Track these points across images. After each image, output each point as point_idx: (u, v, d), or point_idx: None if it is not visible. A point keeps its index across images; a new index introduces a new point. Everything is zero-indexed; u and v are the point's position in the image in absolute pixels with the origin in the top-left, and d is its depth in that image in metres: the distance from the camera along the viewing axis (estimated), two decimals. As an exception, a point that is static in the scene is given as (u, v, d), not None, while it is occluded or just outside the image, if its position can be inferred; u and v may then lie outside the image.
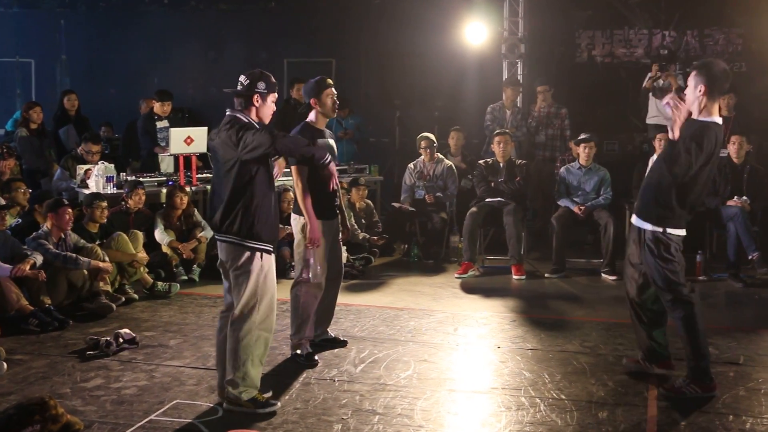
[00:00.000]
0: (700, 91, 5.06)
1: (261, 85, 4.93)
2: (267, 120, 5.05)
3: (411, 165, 9.98)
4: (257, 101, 4.94)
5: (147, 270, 7.88)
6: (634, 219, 5.42)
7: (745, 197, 8.60)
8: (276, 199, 5.06)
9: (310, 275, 5.89)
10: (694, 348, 5.21)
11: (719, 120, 5.15)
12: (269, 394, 5.07)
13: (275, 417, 4.82)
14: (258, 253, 4.87)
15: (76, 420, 3.36)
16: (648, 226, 5.25)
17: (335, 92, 6.01)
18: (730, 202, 8.56)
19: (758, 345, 6.30)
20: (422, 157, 9.92)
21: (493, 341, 6.43)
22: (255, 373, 4.94)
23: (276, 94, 5.05)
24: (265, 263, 4.92)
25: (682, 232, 5.26)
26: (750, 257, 8.39)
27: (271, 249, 4.98)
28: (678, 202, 5.16)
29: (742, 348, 6.19)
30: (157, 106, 9.95)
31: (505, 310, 7.44)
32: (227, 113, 4.98)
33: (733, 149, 8.81)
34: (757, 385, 5.37)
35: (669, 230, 5.19)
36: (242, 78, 4.97)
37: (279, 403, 4.99)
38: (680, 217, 5.21)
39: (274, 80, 5.04)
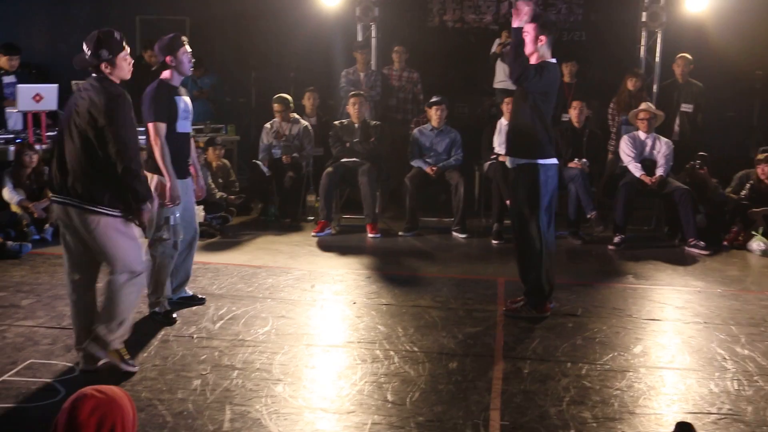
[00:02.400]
0: (540, 41, 5.91)
1: (104, 54, 4.75)
2: (126, 76, 4.89)
3: (267, 125, 9.96)
4: (106, 68, 4.78)
5: (-4, 229, 7.65)
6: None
7: (584, 159, 9.07)
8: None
9: (170, 234, 5.89)
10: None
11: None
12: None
13: (136, 373, 4.82)
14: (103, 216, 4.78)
15: None
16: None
17: (190, 50, 5.98)
18: (570, 164, 9.00)
19: (594, 297, 6.70)
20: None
21: (349, 297, 6.59)
22: (126, 327, 4.95)
23: (126, 49, 4.85)
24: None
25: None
26: (588, 216, 8.86)
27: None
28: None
29: (580, 300, 6.56)
30: (3, 60, 9.54)
31: (360, 267, 7.63)
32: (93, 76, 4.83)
33: (574, 114, 9.22)
34: (593, 335, 5.73)
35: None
36: (84, 47, 4.79)
37: (137, 366, 4.97)
38: None
39: (117, 37, 4.81)
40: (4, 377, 4.75)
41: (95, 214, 4.74)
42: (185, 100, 6.03)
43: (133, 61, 4.97)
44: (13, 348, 5.21)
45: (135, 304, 5.00)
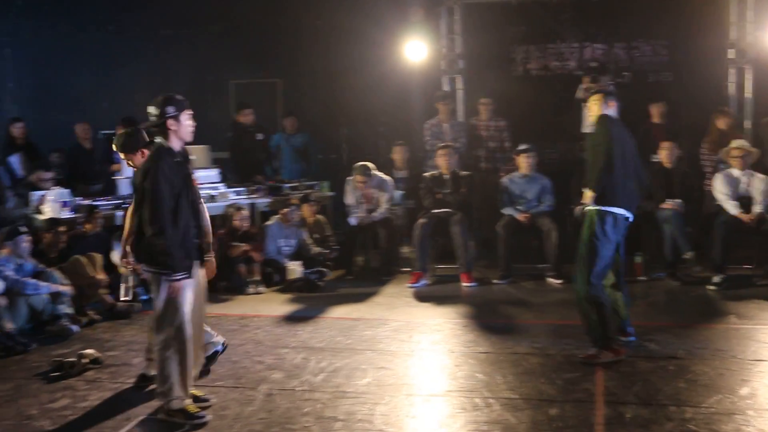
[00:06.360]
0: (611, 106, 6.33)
1: (170, 109, 5.01)
2: (189, 137, 5.14)
3: (349, 186, 10.00)
4: (172, 125, 5.03)
5: (107, 291, 7.97)
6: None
7: (678, 200, 8.98)
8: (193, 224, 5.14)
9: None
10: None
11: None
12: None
13: (241, 427, 4.94)
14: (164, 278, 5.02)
15: None
16: None
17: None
18: (664, 205, 8.95)
19: (695, 339, 6.58)
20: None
21: (447, 346, 6.64)
22: (182, 385, 5.12)
23: (189, 110, 5.11)
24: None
25: None
26: (685, 256, 8.76)
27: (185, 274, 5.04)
28: None
29: (680, 342, 6.47)
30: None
31: (456, 317, 7.67)
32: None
33: (664, 155, 9.17)
34: (695, 377, 5.63)
35: None
36: (150, 109, 5.06)
37: (209, 416, 5.13)
38: None
39: (181, 98, 5.11)
40: (119, 433, 4.96)
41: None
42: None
43: (194, 125, 5.17)
44: (127, 405, 5.43)
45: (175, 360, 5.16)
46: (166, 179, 4.88)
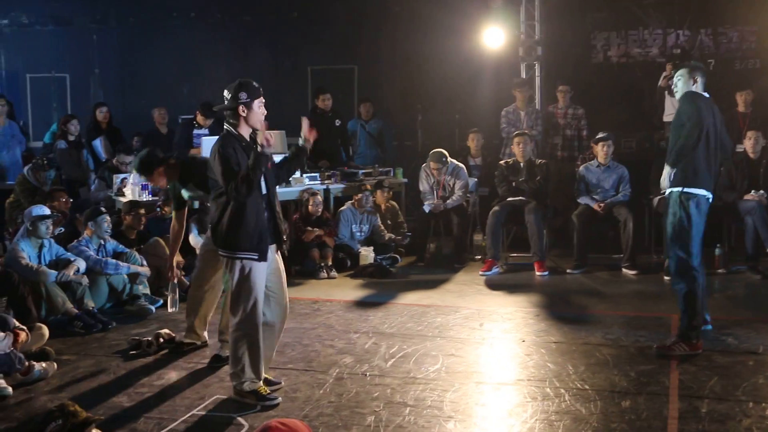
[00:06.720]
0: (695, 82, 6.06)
1: (243, 95, 4.99)
2: (259, 125, 5.09)
3: (423, 173, 9.99)
4: (243, 111, 5.02)
5: (183, 273, 8.12)
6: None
7: (762, 191, 8.75)
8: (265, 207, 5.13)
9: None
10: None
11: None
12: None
13: (311, 410, 4.98)
14: (238, 261, 5.06)
15: (94, 416, 3.60)
16: None
17: None
18: (747, 197, 8.71)
19: (776, 335, 6.41)
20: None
21: (518, 335, 6.59)
22: (253, 367, 5.16)
23: (262, 98, 5.09)
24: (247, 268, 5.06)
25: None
26: (768, 250, 8.54)
27: (256, 256, 5.05)
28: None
29: (761, 338, 6.28)
30: (199, 117, 10.28)
31: (528, 305, 7.62)
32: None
33: (749, 144, 8.94)
34: (776, 373, 5.48)
35: None
36: (225, 92, 5.06)
37: (280, 398, 5.17)
38: None
39: (256, 85, 5.09)
40: (193, 411, 5.05)
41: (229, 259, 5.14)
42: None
43: (265, 113, 5.16)
44: (201, 384, 5.54)
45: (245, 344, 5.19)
46: (228, 163, 4.91)
